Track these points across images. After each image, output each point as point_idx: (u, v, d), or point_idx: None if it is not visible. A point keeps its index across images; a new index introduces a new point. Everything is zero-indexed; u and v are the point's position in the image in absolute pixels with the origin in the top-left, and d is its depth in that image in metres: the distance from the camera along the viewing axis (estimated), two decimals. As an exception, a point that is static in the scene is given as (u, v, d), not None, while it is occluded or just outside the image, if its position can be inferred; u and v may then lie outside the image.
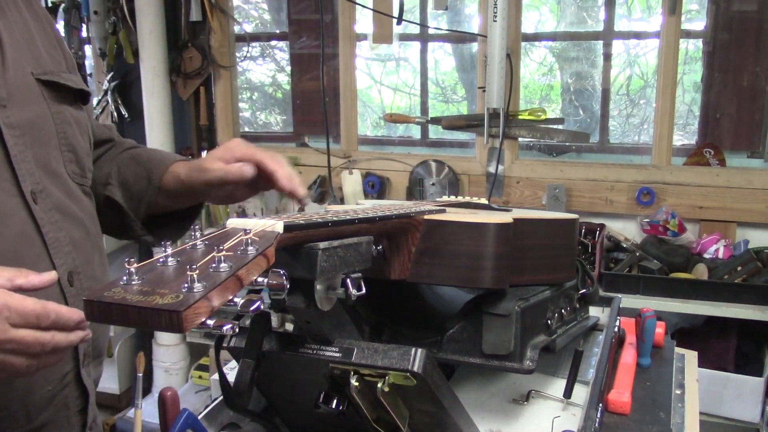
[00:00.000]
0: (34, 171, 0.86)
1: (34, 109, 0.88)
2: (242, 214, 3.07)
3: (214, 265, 0.52)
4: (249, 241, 0.57)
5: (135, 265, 0.52)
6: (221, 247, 0.53)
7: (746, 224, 2.52)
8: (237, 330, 0.54)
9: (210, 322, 0.49)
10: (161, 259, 0.54)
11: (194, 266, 0.49)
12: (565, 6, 3.21)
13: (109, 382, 3.19)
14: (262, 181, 0.97)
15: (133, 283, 0.50)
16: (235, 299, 0.52)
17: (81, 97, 0.98)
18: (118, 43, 3.09)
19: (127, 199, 1.03)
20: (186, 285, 0.49)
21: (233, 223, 0.64)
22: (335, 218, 0.70)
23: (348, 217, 0.72)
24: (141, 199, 1.03)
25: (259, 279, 0.56)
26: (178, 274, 0.51)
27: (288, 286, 0.60)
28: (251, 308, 0.53)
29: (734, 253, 2.41)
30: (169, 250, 0.54)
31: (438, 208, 0.94)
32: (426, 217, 0.86)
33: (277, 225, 0.62)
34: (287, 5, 3.23)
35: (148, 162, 1.04)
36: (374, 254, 0.77)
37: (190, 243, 0.57)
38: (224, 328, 0.51)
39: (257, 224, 0.62)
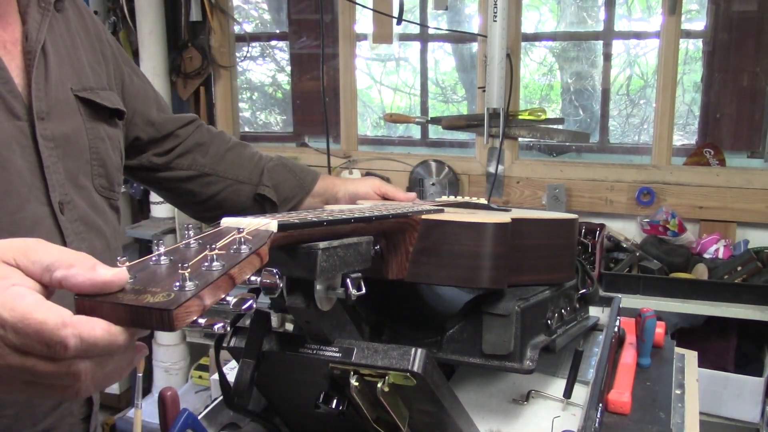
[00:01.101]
0: (63, 182, 0.89)
1: (70, 123, 0.91)
2: (242, 214, 3.06)
3: (206, 263, 0.52)
4: (242, 239, 0.56)
5: (127, 263, 0.51)
6: (214, 246, 0.53)
7: (746, 224, 2.52)
8: (229, 329, 0.53)
9: (201, 321, 0.49)
10: (154, 258, 0.53)
11: (186, 265, 0.49)
12: (565, 6, 3.21)
13: (109, 382, 3.18)
14: None
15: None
16: (228, 298, 0.52)
17: (117, 114, 1.02)
18: (118, 43, 3.09)
19: (279, 200, 1.23)
20: (178, 283, 0.48)
21: (227, 221, 0.64)
22: (330, 217, 0.70)
23: (344, 217, 0.72)
24: (291, 200, 1.24)
25: (253, 278, 0.56)
26: (171, 272, 0.51)
27: (281, 285, 0.59)
28: (243, 307, 0.53)
29: (734, 253, 2.41)
30: (162, 249, 0.54)
31: (436, 207, 0.94)
32: (424, 216, 0.86)
33: (271, 224, 0.61)
34: (287, 5, 3.23)
35: (299, 171, 1.26)
36: (372, 254, 0.77)
37: (184, 242, 0.56)
38: (216, 327, 0.50)
39: (251, 223, 0.62)
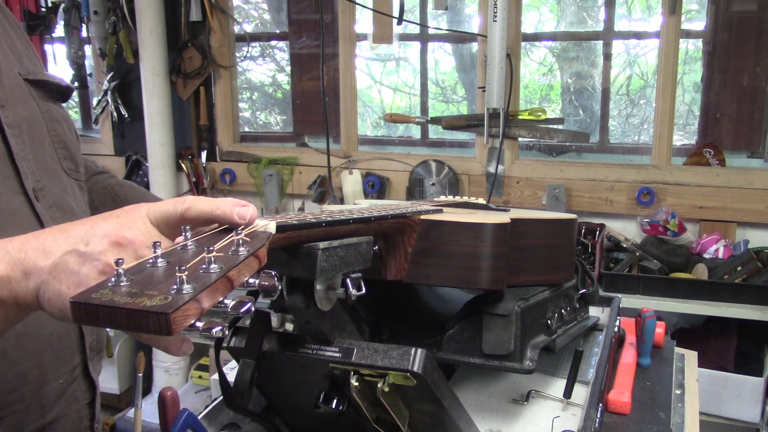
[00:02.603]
0: (34, 169, 0.89)
1: (27, 108, 0.91)
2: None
3: (204, 266, 0.51)
4: (240, 241, 0.55)
5: (123, 266, 0.51)
6: (212, 248, 0.52)
7: (746, 224, 2.52)
8: (227, 332, 0.52)
9: (199, 324, 0.48)
10: (150, 260, 0.53)
11: (184, 267, 0.48)
12: (565, 6, 3.21)
13: (109, 382, 3.19)
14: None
15: (122, 284, 0.49)
16: (225, 301, 0.51)
17: (64, 94, 1.02)
18: (118, 43, 3.09)
19: None
20: (175, 286, 0.48)
21: None
22: (329, 218, 0.69)
23: (342, 218, 0.72)
24: None
25: (251, 280, 0.55)
26: (168, 275, 0.50)
27: (280, 288, 0.59)
28: (242, 310, 0.52)
29: (734, 253, 2.41)
30: (159, 251, 0.53)
31: (435, 208, 0.94)
32: (423, 217, 0.85)
33: (269, 225, 0.61)
34: (287, 5, 3.23)
35: (126, 200, 1.12)
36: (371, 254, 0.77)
37: (181, 243, 0.56)
38: (213, 330, 0.50)
39: None
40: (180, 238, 0.58)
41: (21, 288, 0.57)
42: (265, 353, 0.78)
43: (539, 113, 2.69)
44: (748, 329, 2.40)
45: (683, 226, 2.48)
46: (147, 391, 3.16)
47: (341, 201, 2.95)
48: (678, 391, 1.17)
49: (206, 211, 0.60)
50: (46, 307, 0.56)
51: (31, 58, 0.99)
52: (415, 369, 0.70)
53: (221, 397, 0.93)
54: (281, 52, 3.56)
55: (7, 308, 0.59)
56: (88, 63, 3.34)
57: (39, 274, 0.57)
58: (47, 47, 3.40)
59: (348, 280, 0.70)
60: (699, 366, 1.32)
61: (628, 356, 1.20)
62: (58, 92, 1.00)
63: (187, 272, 0.48)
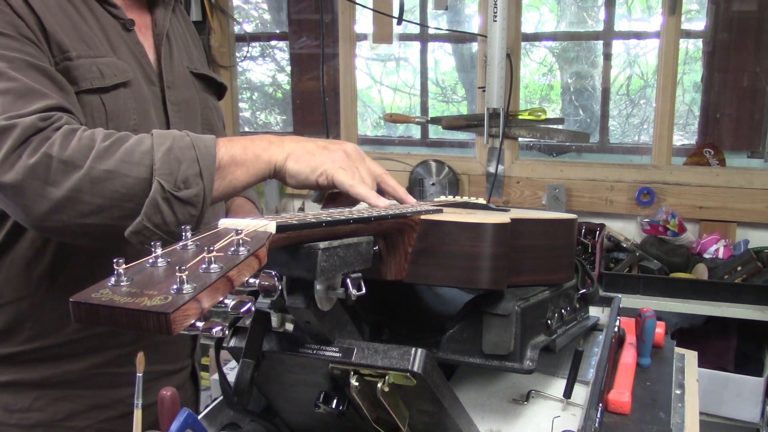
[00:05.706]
0: None
1: (187, 93, 1.13)
2: (242, 214, 3.07)
3: (204, 266, 0.51)
4: (240, 241, 0.56)
5: (124, 266, 0.50)
6: (212, 248, 0.52)
7: (746, 224, 2.52)
8: (227, 332, 0.52)
9: (199, 324, 0.48)
10: (151, 260, 0.53)
11: (184, 267, 0.48)
12: (565, 6, 3.21)
13: (110, 382, 3.18)
14: None
15: (122, 284, 0.49)
16: (226, 301, 0.51)
17: (220, 90, 1.24)
18: (118, 43, 3.10)
19: None
20: (175, 286, 0.48)
21: (225, 223, 0.63)
22: (329, 218, 0.69)
23: (342, 218, 0.72)
24: None
25: (251, 280, 0.55)
26: (168, 275, 0.50)
27: (280, 288, 0.59)
28: (242, 310, 0.52)
29: (734, 253, 2.41)
30: (159, 251, 0.53)
31: (435, 208, 0.94)
32: (423, 217, 0.85)
33: (269, 225, 0.61)
34: (287, 5, 3.23)
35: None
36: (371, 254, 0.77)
37: (181, 243, 0.56)
38: (214, 330, 0.50)
39: (249, 224, 0.61)
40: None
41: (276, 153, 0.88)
42: (265, 353, 0.78)
43: (539, 113, 2.69)
44: (748, 329, 2.40)
45: (683, 226, 2.48)
46: (147, 391, 3.16)
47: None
48: (678, 391, 1.17)
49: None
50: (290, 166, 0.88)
51: (200, 59, 1.21)
52: (415, 369, 0.70)
53: (221, 397, 0.93)
54: (281, 52, 3.56)
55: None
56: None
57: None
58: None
59: (348, 280, 0.70)
60: (699, 366, 1.32)
61: (628, 356, 1.20)
62: (215, 87, 1.22)
63: (187, 272, 0.48)
